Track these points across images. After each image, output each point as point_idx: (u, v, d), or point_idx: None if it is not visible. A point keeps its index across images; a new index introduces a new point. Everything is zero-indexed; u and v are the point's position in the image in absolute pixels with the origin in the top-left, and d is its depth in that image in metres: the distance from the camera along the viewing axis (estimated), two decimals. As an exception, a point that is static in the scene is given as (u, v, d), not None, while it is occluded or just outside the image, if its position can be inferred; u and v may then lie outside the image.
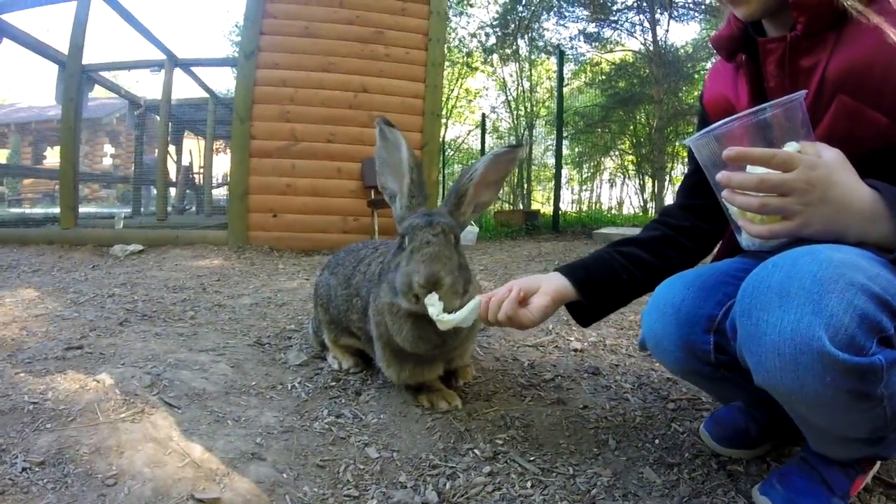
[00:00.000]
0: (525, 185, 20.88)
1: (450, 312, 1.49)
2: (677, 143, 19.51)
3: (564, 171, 22.40)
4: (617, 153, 23.63)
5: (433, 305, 1.50)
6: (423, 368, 1.84)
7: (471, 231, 7.66)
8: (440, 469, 1.47)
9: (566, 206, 22.32)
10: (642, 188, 22.85)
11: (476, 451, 1.56)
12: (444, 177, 17.97)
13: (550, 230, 9.06)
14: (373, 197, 6.54)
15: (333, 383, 2.05)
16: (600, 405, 1.89)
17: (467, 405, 1.84)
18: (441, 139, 14.58)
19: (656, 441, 1.64)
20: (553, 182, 10.19)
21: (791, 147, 1.06)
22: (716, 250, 1.64)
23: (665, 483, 1.42)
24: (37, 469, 1.37)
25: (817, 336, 0.91)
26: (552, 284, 1.45)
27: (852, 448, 1.18)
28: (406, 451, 1.57)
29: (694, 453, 1.56)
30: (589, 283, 1.47)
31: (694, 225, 1.54)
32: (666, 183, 21.13)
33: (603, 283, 1.48)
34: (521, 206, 18.28)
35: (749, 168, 1.07)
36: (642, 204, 22.40)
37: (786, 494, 1.25)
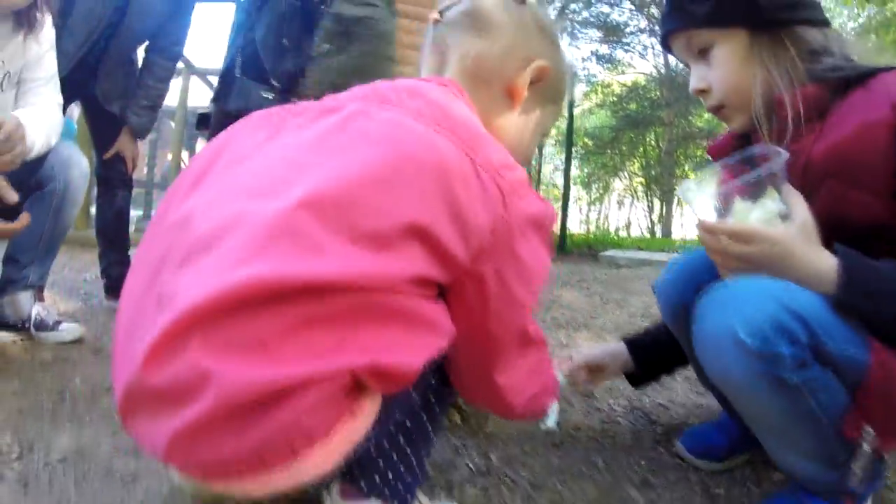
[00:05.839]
0: (533, 203, 20.88)
1: None
2: (686, 167, 19.58)
3: (573, 191, 22.46)
4: (626, 174, 23.75)
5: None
6: None
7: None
8: (436, 482, 1.55)
9: (574, 225, 22.34)
10: (650, 210, 22.94)
11: (471, 465, 1.64)
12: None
13: (558, 251, 9.09)
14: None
15: (337, 395, 2.12)
16: (592, 427, 1.97)
17: (465, 422, 1.91)
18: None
19: (643, 463, 1.71)
20: (561, 202, 10.22)
21: (774, 203, 1.19)
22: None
23: (647, 502, 1.50)
24: (58, 465, 1.46)
25: (733, 328, 1.09)
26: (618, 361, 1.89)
27: (816, 465, 1.23)
28: (404, 463, 1.64)
29: (677, 477, 1.64)
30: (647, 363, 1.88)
31: None
32: (674, 205, 21.19)
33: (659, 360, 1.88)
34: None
35: (735, 209, 1.22)
36: (650, 226, 22.47)
37: None
